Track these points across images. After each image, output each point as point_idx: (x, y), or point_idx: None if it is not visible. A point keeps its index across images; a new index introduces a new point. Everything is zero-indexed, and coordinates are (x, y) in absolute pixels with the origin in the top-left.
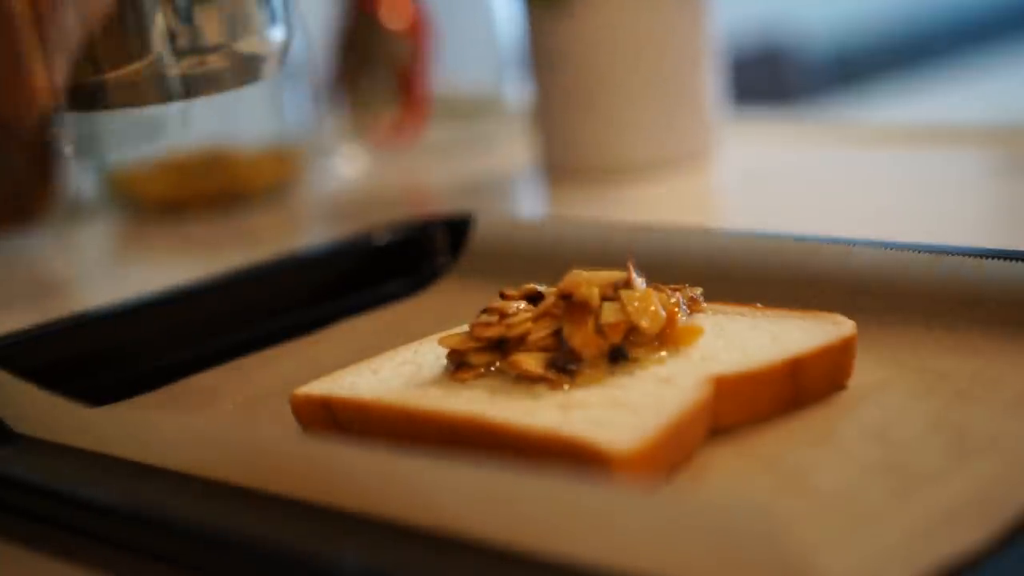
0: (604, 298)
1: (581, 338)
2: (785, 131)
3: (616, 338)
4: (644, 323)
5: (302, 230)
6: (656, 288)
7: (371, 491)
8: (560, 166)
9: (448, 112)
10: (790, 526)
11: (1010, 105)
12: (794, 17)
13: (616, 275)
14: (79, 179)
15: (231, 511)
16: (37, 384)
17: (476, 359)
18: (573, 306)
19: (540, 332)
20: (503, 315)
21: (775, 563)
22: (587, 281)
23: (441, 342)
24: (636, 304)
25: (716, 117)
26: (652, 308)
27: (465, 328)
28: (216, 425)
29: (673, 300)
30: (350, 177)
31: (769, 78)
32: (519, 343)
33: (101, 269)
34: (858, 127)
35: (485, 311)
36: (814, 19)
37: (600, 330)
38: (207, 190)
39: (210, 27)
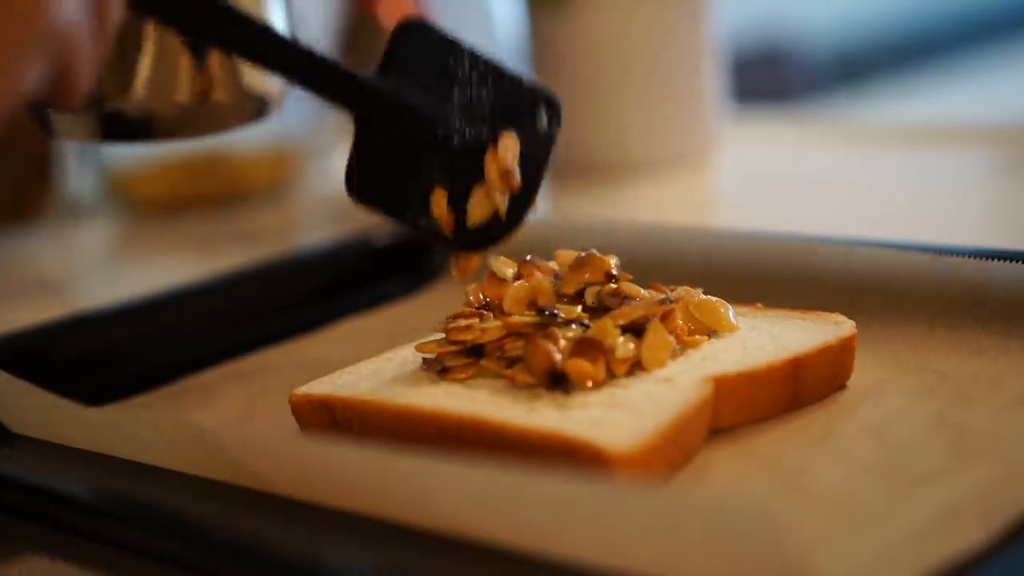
0: (624, 329)
1: (578, 372)
2: (786, 131)
3: (620, 373)
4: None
5: (301, 230)
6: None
7: (371, 491)
8: (560, 165)
9: None
10: (790, 525)
11: (1011, 105)
12: (794, 17)
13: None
14: (79, 179)
15: (231, 511)
16: (37, 384)
17: (453, 362)
18: (586, 342)
19: (516, 344)
20: (481, 318)
21: (775, 562)
22: (608, 330)
23: (418, 349)
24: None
25: (716, 117)
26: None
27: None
28: (215, 425)
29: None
30: None
31: (769, 78)
32: (496, 349)
33: (100, 269)
34: (859, 127)
35: (459, 315)
36: (814, 19)
37: (608, 366)
38: (207, 190)
39: (215, 65)
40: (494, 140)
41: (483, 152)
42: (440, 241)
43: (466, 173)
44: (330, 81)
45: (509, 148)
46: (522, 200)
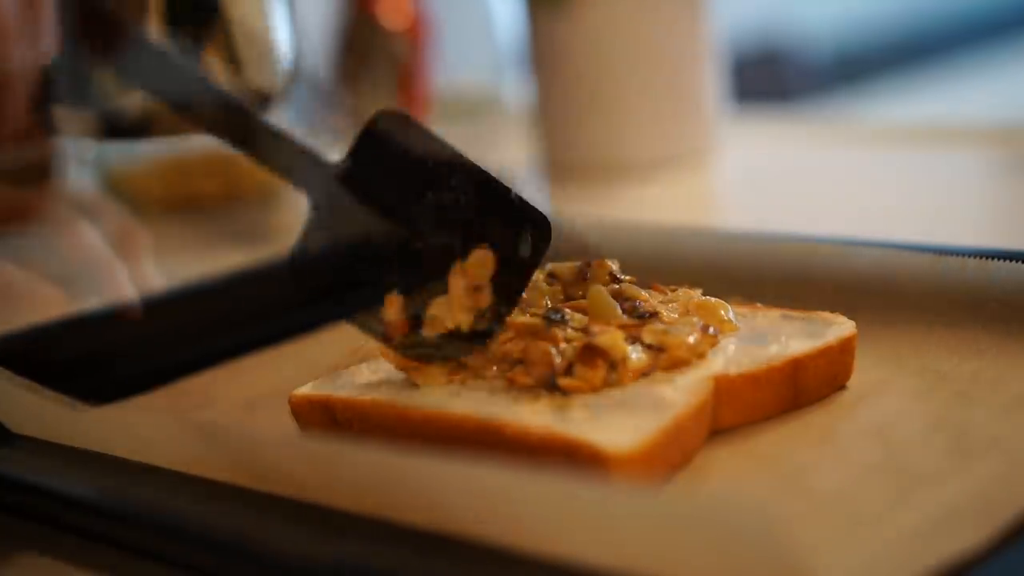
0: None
1: (578, 384)
2: (785, 131)
3: (629, 382)
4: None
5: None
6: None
7: (371, 491)
8: (560, 165)
9: (448, 111)
10: (789, 526)
11: (1011, 104)
12: (794, 17)
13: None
14: (79, 178)
15: (230, 511)
16: (37, 384)
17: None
18: (591, 350)
19: (518, 346)
20: None
21: (775, 563)
22: (613, 336)
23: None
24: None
25: (716, 117)
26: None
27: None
28: (215, 425)
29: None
30: None
31: (769, 78)
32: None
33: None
34: (858, 127)
35: None
36: (814, 19)
37: (611, 370)
38: (207, 190)
39: (215, 60)
40: (464, 252)
41: (450, 262)
42: (387, 345)
43: (427, 282)
44: (288, 161)
45: (481, 263)
46: (490, 320)
